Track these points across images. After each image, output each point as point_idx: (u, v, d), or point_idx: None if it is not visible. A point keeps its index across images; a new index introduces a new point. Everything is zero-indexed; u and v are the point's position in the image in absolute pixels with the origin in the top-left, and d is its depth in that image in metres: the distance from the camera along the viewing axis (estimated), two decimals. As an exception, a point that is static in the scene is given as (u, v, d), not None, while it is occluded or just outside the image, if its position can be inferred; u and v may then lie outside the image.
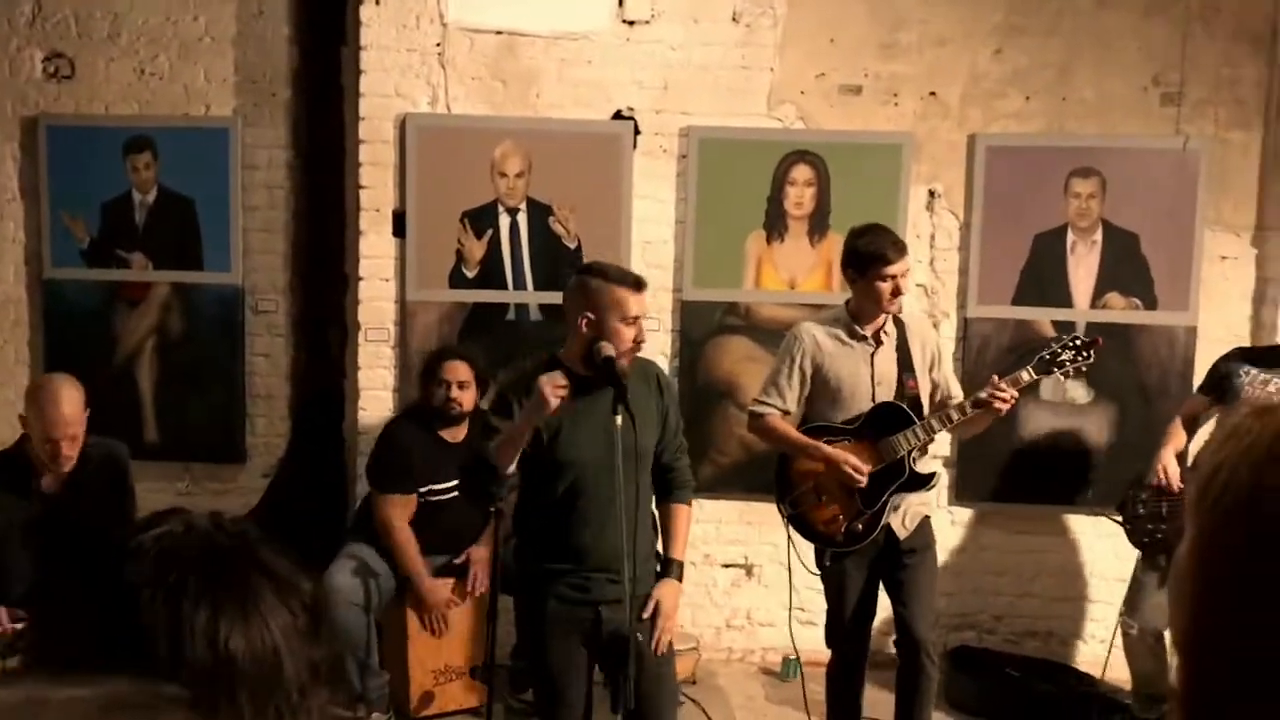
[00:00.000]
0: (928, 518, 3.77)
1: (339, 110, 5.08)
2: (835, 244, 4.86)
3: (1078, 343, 3.62)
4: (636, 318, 2.99)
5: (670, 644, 3.14)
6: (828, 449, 3.60)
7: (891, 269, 3.54)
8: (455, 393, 4.27)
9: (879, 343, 3.67)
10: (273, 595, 0.90)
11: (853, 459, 3.57)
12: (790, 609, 4.25)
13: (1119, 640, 4.47)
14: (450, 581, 4.32)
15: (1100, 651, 5.03)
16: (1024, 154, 4.87)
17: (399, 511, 4.24)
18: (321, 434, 5.23)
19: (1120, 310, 4.90)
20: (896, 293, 3.58)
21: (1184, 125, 4.85)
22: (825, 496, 3.66)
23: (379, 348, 4.90)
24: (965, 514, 5.03)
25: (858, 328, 3.66)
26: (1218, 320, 4.69)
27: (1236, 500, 0.78)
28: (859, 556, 3.69)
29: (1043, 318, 4.93)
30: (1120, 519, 4.15)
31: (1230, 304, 4.87)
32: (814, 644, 4.80)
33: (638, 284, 3.02)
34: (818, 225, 4.89)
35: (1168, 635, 4.23)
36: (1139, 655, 4.23)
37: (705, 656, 4.95)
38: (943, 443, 4.78)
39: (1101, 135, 4.86)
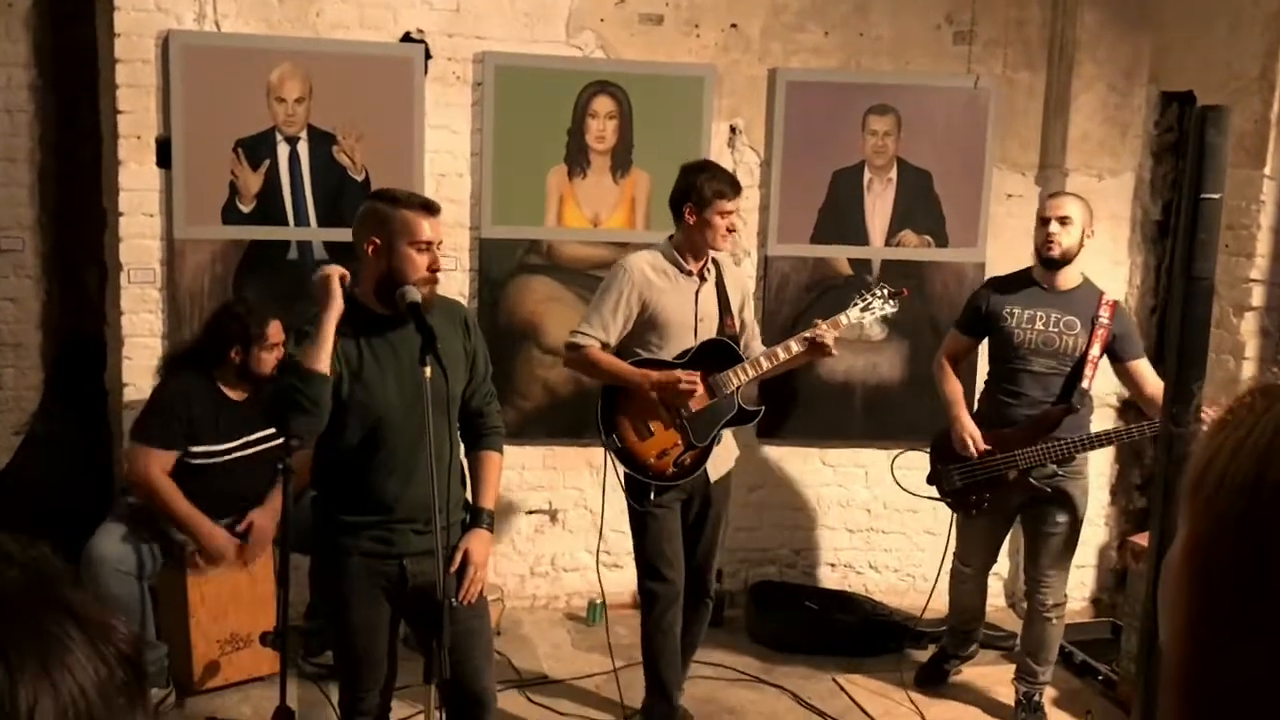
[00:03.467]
0: (731, 470, 3.87)
1: (91, 25, 4.54)
2: (639, 180, 4.75)
3: (887, 291, 3.82)
4: (429, 243, 2.80)
5: (483, 595, 3.02)
6: (658, 373, 3.57)
7: (730, 205, 3.58)
8: (279, 354, 3.93)
9: (702, 280, 3.68)
10: (83, 644, 0.68)
11: (684, 373, 3.56)
12: (597, 553, 4.18)
13: (915, 570, 4.62)
14: (228, 536, 3.99)
15: (894, 580, 5.22)
16: (823, 90, 4.84)
17: (156, 466, 3.86)
18: (80, 386, 4.75)
19: (913, 248, 4.99)
20: (732, 229, 3.64)
21: (975, 65, 4.93)
22: (655, 430, 3.64)
23: (144, 290, 4.46)
24: (766, 451, 5.06)
25: (684, 263, 3.65)
26: (1004, 257, 4.82)
27: (1236, 496, 0.69)
28: (676, 493, 3.70)
29: (840, 256, 4.96)
30: (938, 495, 4.15)
31: (1016, 241, 5.02)
32: (619, 587, 4.77)
33: (429, 207, 2.84)
34: (621, 161, 4.74)
35: (993, 574, 4.37)
36: (967, 593, 4.31)
37: (509, 605, 4.82)
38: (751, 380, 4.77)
39: (897, 72, 4.90)
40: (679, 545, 3.75)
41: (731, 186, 3.61)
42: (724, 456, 3.79)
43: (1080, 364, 3.83)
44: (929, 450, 4.18)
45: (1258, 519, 0.67)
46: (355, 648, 2.95)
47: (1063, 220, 3.82)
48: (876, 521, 5.20)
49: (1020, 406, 3.91)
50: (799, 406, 5.01)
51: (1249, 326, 4.36)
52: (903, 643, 4.67)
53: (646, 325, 3.63)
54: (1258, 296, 4.34)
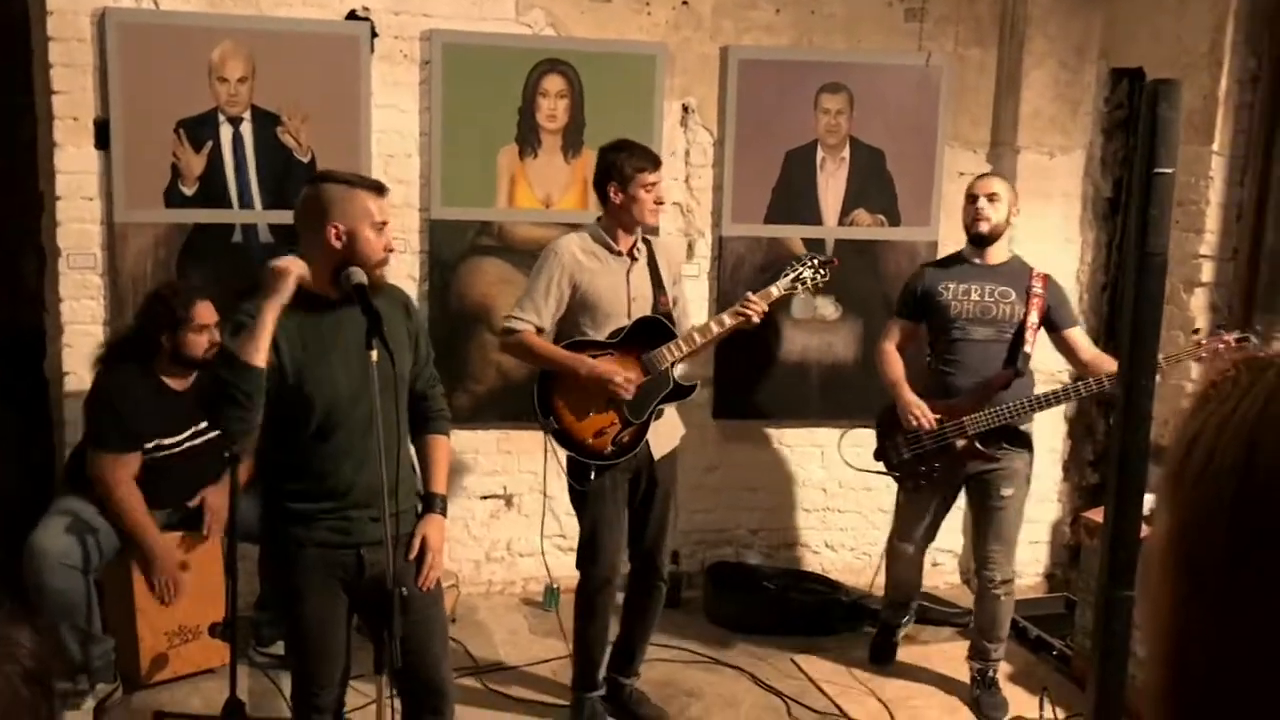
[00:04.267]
0: (677, 449, 3.84)
1: (23, 2, 4.39)
2: (591, 160, 4.67)
3: (817, 261, 3.83)
4: (385, 224, 2.80)
5: (439, 583, 2.99)
6: (594, 363, 3.58)
7: (653, 177, 3.59)
8: (215, 335, 3.84)
9: (633, 259, 3.68)
10: None
11: (622, 371, 3.58)
12: (543, 536, 4.14)
13: (871, 549, 4.63)
14: (178, 537, 3.92)
15: (849, 559, 5.22)
16: (775, 68, 4.81)
17: (123, 473, 3.77)
18: (19, 376, 4.62)
19: (866, 227, 4.98)
20: (660, 202, 3.65)
21: (926, 42, 4.92)
22: (592, 410, 3.63)
23: (84, 275, 4.35)
24: (722, 431, 5.03)
25: (614, 244, 3.64)
26: (957, 235, 4.78)
27: (1226, 477, 0.64)
28: (618, 474, 3.67)
29: (794, 235, 4.94)
30: (884, 469, 4.17)
31: (968, 219, 5.03)
32: (573, 570, 4.72)
33: (379, 188, 2.84)
34: (572, 140, 4.67)
35: (928, 551, 4.38)
36: (903, 568, 4.34)
37: (465, 591, 4.77)
38: (705, 362, 4.75)
39: (849, 50, 4.87)
40: (619, 534, 3.72)
41: (651, 161, 3.63)
42: (667, 434, 3.78)
43: (1020, 331, 3.89)
44: (875, 426, 4.20)
45: (1251, 501, 0.63)
46: (310, 641, 2.88)
47: (990, 197, 3.92)
48: (832, 501, 5.20)
49: (962, 375, 3.94)
50: (755, 386, 4.99)
51: (1199, 302, 4.39)
52: (860, 621, 4.68)
53: (580, 307, 3.62)
54: (1207, 272, 4.37)
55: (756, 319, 3.68)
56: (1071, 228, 5.03)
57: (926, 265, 4.23)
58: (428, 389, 3.04)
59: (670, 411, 3.78)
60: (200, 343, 3.84)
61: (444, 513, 2.98)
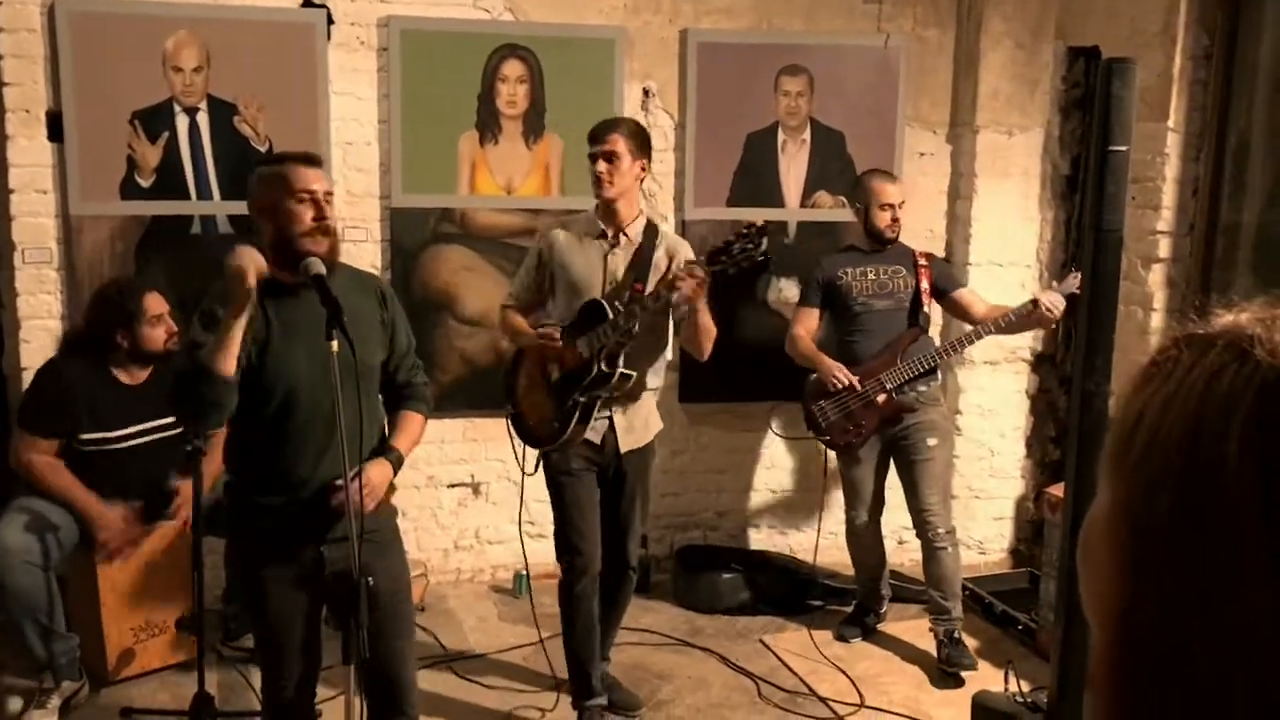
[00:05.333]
0: (650, 444, 3.75)
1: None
2: (552, 145, 4.68)
3: (745, 233, 3.43)
4: (311, 193, 2.69)
5: (407, 579, 2.96)
6: (536, 331, 3.57)
7: (593, 148, 3.53)
8: (172, 326, 3.81)
9: (617, 242, 3.61)
10: None
11: (555, 339, 3.52)
12: (520, 523, 4.12)
13: (838, 528, 4.65)
14: (122, 509, 3.86)
15: (815, 539, 5.24)
16: (734, 51, 4.81)
17: (34, 450, 3.76)
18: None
19: (828, 209, 5.00)
20: (600, 173, 3.50)
21: (885, 23, 4.93)
22: (537, 395, 3.62)
23: (40, 270, 4.29)
24: (687, 415, 5.05)
25: (601, 225, 3.61)
26: (917, 216, 4.85)
27: (1171, 454, 0.64)
28: (585, 463, 3.63)
29: (757, 218, 4.90)
30: (814, 434, 4.35)
31: (929, 200, 5.07)
32: (544, 557, 4.72)
33: (307, 159, 2.76)
34: (533, 125, 4.66)
35: (883, 523, 4.45)
36: (865, 548, 4.42)
37: (434, 580, 4.77)
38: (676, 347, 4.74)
39: (808, 32, 4.88)
40: (593, 517, 3.68)
41: (590, 137, 3.55)
42: (638, 428, 3.70)
43: (916, 297, 4.23)
44: (801, 399, 4.35)
45: (1196, 480, 0.63)
46: (275, 635, 2.85)
47: (901, 205, 4.26)
48: (797, 481, 5.22)
49: (867, 342, 4.23)
50: (719, 370, 4.99)
51: (1156, 278, 4.44)
52: (827, 600, 4.72)
53: (561, 287, 3.63)
54: (1164, 248, 4.42)
55: (687, 292, 3.31)
56: (1031, 206, 5.07)
57: (824, 256, 4.43)
58: (410, 377, 3.00)
59: (646, 405, 3.71)
60: (158, 336, 3.80)
61: (394, 463, 2.87)
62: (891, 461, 4.31)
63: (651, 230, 3.65)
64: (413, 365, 3.02)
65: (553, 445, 3.60)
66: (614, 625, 3.96)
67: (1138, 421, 0.67)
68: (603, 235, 3.61)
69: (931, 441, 4.18)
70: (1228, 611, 0.61)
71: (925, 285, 4.23)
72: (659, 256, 3.61)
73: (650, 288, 3.49)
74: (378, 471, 2.81)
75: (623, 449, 3.66)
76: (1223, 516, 0.62)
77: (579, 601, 3.68)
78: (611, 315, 3.45)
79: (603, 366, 3.48)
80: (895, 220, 4.21)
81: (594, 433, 3.61)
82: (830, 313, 4.34)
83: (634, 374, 3.56)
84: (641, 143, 3.57)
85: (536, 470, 3.69)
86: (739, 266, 3.34)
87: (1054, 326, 4.28)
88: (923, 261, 4.28)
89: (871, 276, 4.24)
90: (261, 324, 2.69)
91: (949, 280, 4.33)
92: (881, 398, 4.15)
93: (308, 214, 2.69)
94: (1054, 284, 4.28)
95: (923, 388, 4.19)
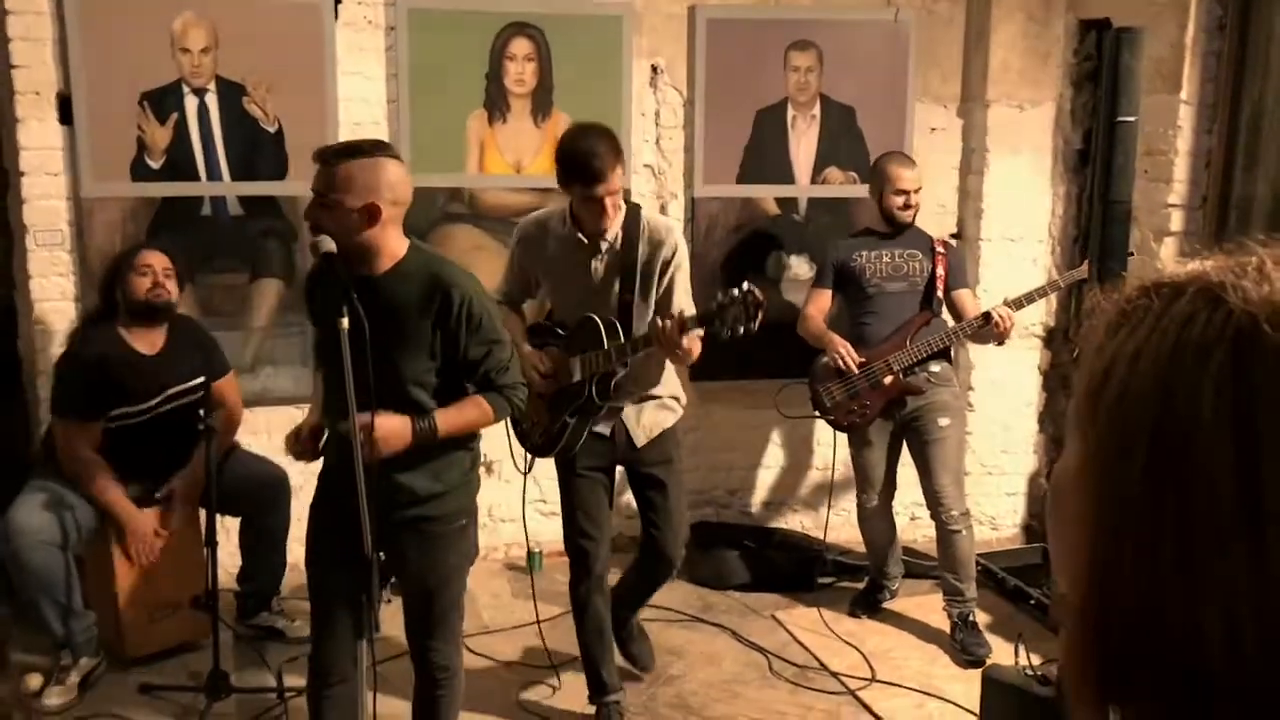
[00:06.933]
0: (670, 430, 3.62)
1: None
2: (560, 123, 4.66)
3: (743, 298, 3.12)
4: (321, 194, 2.66)
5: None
6: (528, 352, 3.43)
7: (593, 191, 3.21)
8: (161, 278, 3.80)
9: (597, 249, 3.38)
10: None
11: (544, 367, 3.42)
12: (526, 501, 4.13)
13: (849, 504, 4.65)
14: (153, 516, 3.91)
15: (827, 515, 5.24)
16: (743, 26, 4.78)
17: (81, 441, 3.77)
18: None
19: (839, 185, 4.98)
20: (613, 209, 3.28)
21: (895, -3, 4.90)
22: (533, 402, 3.28)
23: (53, 252, 4.31)
24: (700, 391, 5.04)
25: (579, 235, 3.37)
26: (928, 191, 4.79)
27: (1144, 405, 0.63)
28: (594, 459, 3.53)
29: (767, 195, 4.94)
30: (819, 414, 4.34)
31: (941, 175, 5.03)
32: (556, 535, 4.74)
33: (317, 156, 2.71)
34: (541, 104, 4.65)
35: (895, 501, 4.44)
36: (876, 529, 4.41)
37: (446, 558, 4.78)
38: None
39: (817, 6, 4.85)
40: (599, 517, 3.55)
41: (585, 178, 3.23)
42: (648, 421, 3.56)
43: (930, 282, 4.20)
44: (807, 380, 4.33)
45: (1169, 432, 0.62)
46: (314, 604, 2.96)
47: (917, 191, 4.21)
48: (807, 457, 5.22)
49: (879, 324, 4.20)
50: (730, 347, 4.98)
51: (1169, 251, 4.41)
52: (839, 577, 4.73)
53: (545, 287, 3.56)
54: (1177, 221, 4.39)
55: (673, 346, 3.20)
56: (1042, 181, 5.04)
57: (839, 239, 4.41)
58: (497, 379, 2.84)
59: (659, 400, 3.58)
60: (142, 284, 3.79)
61: (420, 431, 2.72)
62: (905, 445, 4.30)
63: (632, 222, 3.37)
64: (493, 370, 2.83)
65: (545, 455, 3.56)
66: (644, 599, 3.92)
67: (1107, 372, 0.66)
68: (579, 242, 3.37)
69: (943, 421, 4.16)
70: (1204, 566, 0.61)
71: (940, 271, 4.21)
72: (643, 255, 3.37)
73: (637, 295, 3.38)
74: (389, 424, 2.68)
75: (639, 442, 3.54)
76: (1198, 475, 0.61)
77: (585, 603, 3.61)
78: (607, 345, 3.31)
79: (594, 396, 3.36)
80: (909, 205, 4.19)
81: (604, 425, 3.51)
82: (843, 295, 4.33)
83: (622, 406, 3.48)
84: (621, 156, 3.31)
85: (531, 470, 3.65)
86: (732, 333, 3.12)
87: (1002, 342, 4.17)
88: (940, 249, 4.27)
89: (886, 259, 4.23)
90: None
91: (957, 277, 4.28)
92: (889, 379, 4.13)
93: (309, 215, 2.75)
94: (1064, 271, 4.29)
95: (935, 369, 4.17)
